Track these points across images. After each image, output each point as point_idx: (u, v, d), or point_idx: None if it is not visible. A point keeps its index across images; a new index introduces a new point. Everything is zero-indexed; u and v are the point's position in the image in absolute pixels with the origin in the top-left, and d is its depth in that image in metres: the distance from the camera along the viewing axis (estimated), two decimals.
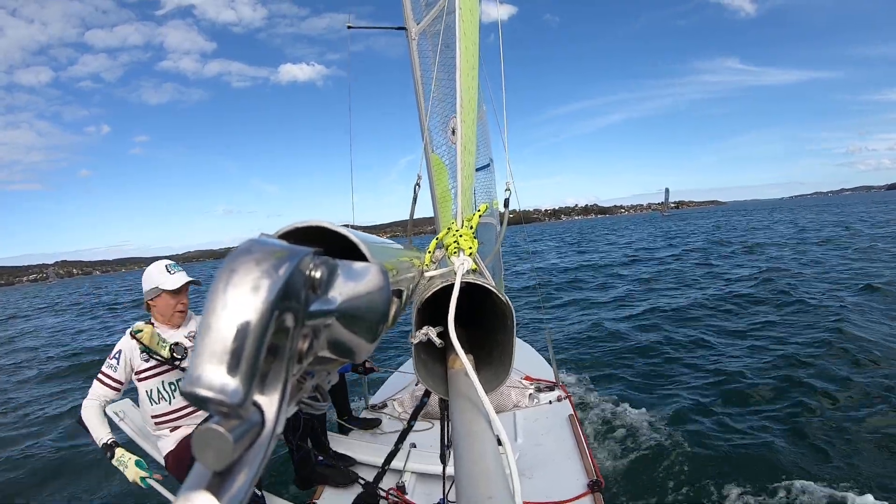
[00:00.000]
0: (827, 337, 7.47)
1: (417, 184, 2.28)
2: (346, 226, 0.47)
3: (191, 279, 2.89)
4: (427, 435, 3.95)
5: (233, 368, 0.27)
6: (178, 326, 2.95)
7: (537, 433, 3.92)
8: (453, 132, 2.45)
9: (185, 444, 2.86)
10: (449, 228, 1.20)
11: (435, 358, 1.07)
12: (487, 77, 3.44)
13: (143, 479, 2.70)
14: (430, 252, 1.15)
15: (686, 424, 5.10)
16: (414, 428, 3.35)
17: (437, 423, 3.27)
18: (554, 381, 4.77)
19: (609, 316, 10.88)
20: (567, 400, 4.41)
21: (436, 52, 2.70)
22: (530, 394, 4.53)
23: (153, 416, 2.90)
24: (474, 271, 1.07)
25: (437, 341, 0.92)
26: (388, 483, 3.30)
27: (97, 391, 2.82)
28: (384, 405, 4.71)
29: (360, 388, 5.17)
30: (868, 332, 7.50)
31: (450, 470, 2.21)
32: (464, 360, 0.83)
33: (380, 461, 3.28)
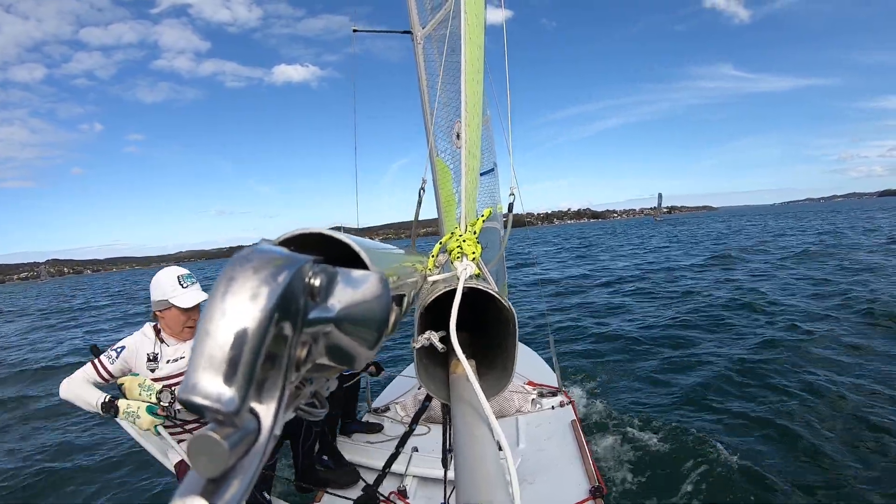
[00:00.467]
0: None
1: (422, 188, 2.28)
2: (336, 228, 0.47)
3: (206, 296, 2.77)
4: (429, 439, 3.95)
5: (229, 377, 0.27)
6: (187, 340, 2.79)
7: (539, 438, 3.91)
8: (458, 136, 2.46)
9: None
10: (452, 233, 1.20)
11: (437, 362, 1.07)
12: (492, 82, 3.45)
13: (155, 426, 2.58)
14: (433, 256, 1.16)
15: (689, 431, 5.07)
16: (415, 432, 3.34)
17: (439, 427, 3.27)
18: (557, 386, 4.76)
19: (614, 321, 10.85)
20: (570, 405, 4.39)
21: (441, 56, 2.71)
22: (533, 399, 4.52)
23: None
24: (477, 276, 1.06)
25: (440, 346, 0.92)
26: (389, 486, 3.30)
27: (86, 370, 2.68)
28: (386, 408, 4.70)
29: (362, 391, 5.17)
30: None
31: (451, 474, 2.21)
32: (465, 366, 0.83)
33: (381, 464, 3.28)
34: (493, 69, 3.21)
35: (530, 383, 4.80)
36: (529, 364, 5.48)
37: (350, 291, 0.38)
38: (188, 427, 2.77)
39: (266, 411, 0.31)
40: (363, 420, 4.42)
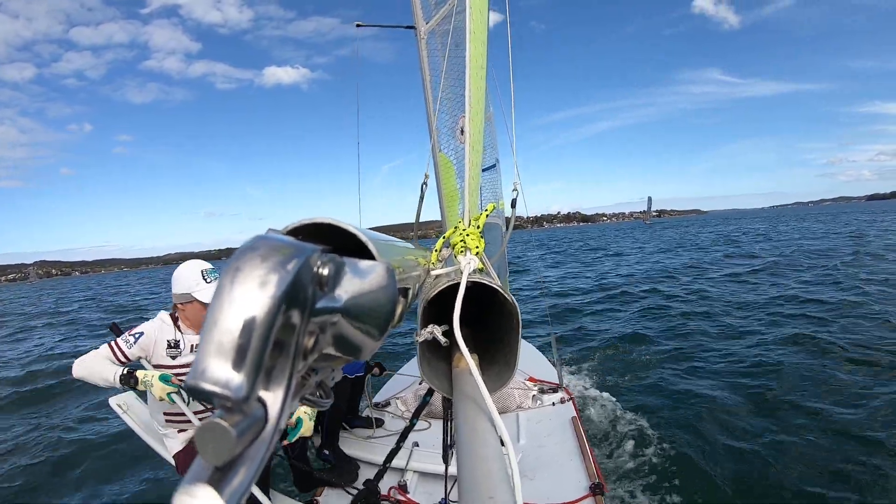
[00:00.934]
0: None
1: (424, 183, 2.28)
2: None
3: None
4: (429, 434, 3.95)
5: (238, 364, 0.27)
6: None
7: (540, 435, 3.91)
8: (462, 132, 2.45)
9: (193, 445, 2.81)
10: (456, 227, 1.20)
11: (439, 357, 1.07)
12: (496, 79, 3.44)
13: (169, 394, 2.62)
14: (436, 251, 1.15)
15: (690, 430, 5.08)
16: (416, 427, 3.34)
17: (439, 423, 3.27)
18: (558, 382, 4.76)
19: (617, 319, 10.86)
20: (570, 402, 4.40)
21: (444, 51, 2.70)
22: (534, 395, 4.52)
23: (165, 413, 2.84)
24: (480, 270, 1.06)
25: (443, 340, 0.92)
26: (389, 482, 3.30)
27: (102, 350, 2.69)
28: (387, 403, 4.71)
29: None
30: None
31: (452, 469, 2.21)
32: (468, 360, 0.83)
33: (381, 459, 3.28)
34: (493, 66, 3.21)
35: (531, 379, 4.80)
36: (530, 360, 5.49)
37: (358, 281, 0.38)
38: (197, 418, 2.80)
39: (273, 399, 0.31)
40: (364, 415, 4.43)
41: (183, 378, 2.64)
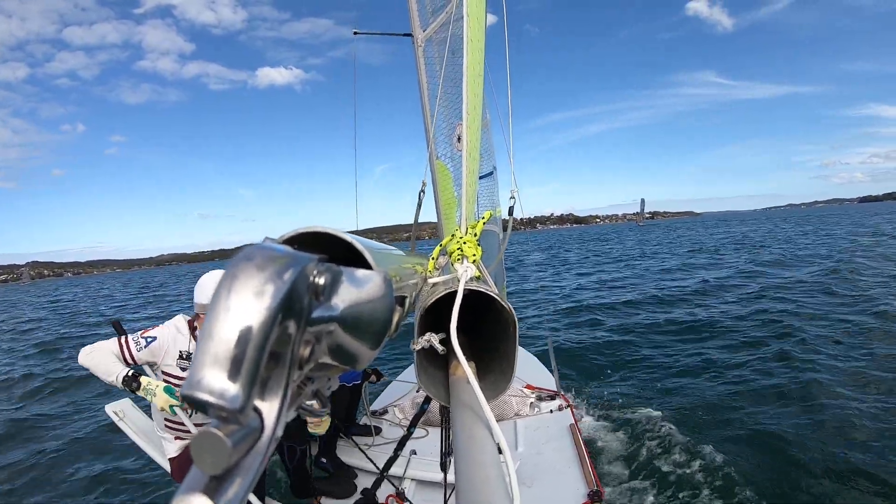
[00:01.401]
0: None
1: (422, 190, 2.28)
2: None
3: None
4: (427, 442, 3.93)
5: (234, 374, 0.27)
6: None
7: (538, 442, 3.90)
8: (459, 139, 2.46)
9: (188, 452, 2.82)
10: (453, 235, 1.20)
11: (437, 365, 1.07)
12: (492, 84, 3.45)
13: (171, 406, 2.60)
14: (433, 259, 1.15)
15: (688, 437, 5.06)
16: (413, 435, 3.33)
17: (437, 431, 3.26)
18: (555, 390, 4.75)
19: (613, 325, 10.84)
20: (568, 409, 4.39)
21: (441, 58, 2.71)
22: (531, 402, 4.51)
23: (166, 419, 2.83)
24: (478, 278, 1.06)
25: (440, 348, 0.92)
26: (387, 490, 3.29)
27: (110, 344, 2.64)
28: (384, 411, 4.69)
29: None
30: None
31: (450, 477, 2.20)
32: (465, 368, 0.83)
33: (379, 468, 3.27)
34: (489, 72, 3.22)
35: (529, 387, 4.79)
36: (528, 367, 5.48)
37: (354, 291, 0.38)
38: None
39: (269, 409, 0.31)
40: (361, 423, 4.40)
41: None
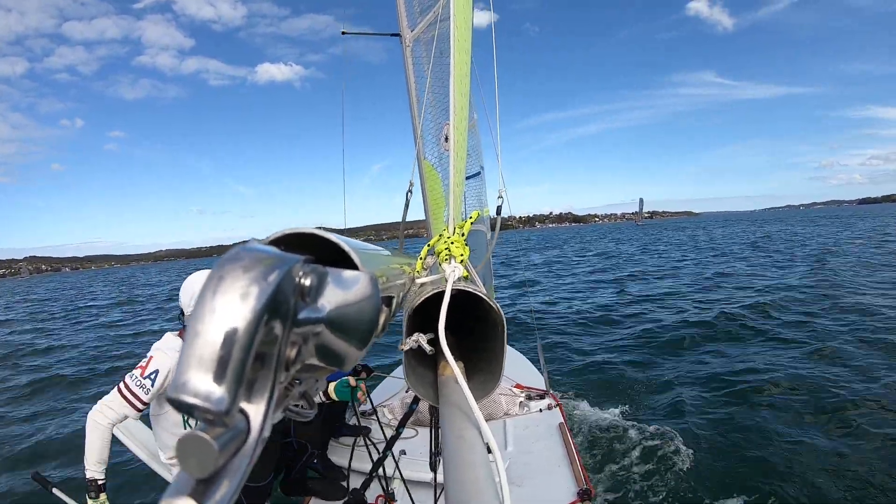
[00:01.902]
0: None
1: (409, 190, 2.28)
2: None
3: None
4: (416, 442, 3.93)
5: (219, 376, 0.27)
6: None
7: (527, 441, 3.91)
8: (446, 139, 2.46)
9: None
10: (441, 235, 1.20)
11: (425, 365, 1.07)
12: (480, 84, 3.46)
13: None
14: (421, 259, 1.15)
15: (677, 434, 5.11)
16: (402, 435, 3.32)
17: (426, 431, 3.25)
18: (545, 389, 4.77)
19: (603, 324, 10.91)
20: (557, 408, 4.40)
21: (429, 58, 2.71)
22: (521, 402, 4.52)
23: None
24: (465, 278, 1.07)
25: (428, 348, 0.92)
26: (376, 490, 3.28)
27: (116, 406, 2.45)
28: (373, 411, 4.68)
29: None
30: None
31: (439, 477, 2.20)
32: (454, 368, 0.83)
33: (368, 468, 3.25)
34: (478, 72, 3.23)
35: (518, 386, 4.80)
36: (517, 367, 5.49)
37: (340, 292, 0.38)
38: None
39: (256, 411, 0.31)
40: (351, 423, 4.38)
41: None
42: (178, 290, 2.76)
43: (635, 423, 5.38)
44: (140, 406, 2.48)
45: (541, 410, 4.41)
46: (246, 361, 0.28)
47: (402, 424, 3.10)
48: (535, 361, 5.74)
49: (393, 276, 0.70)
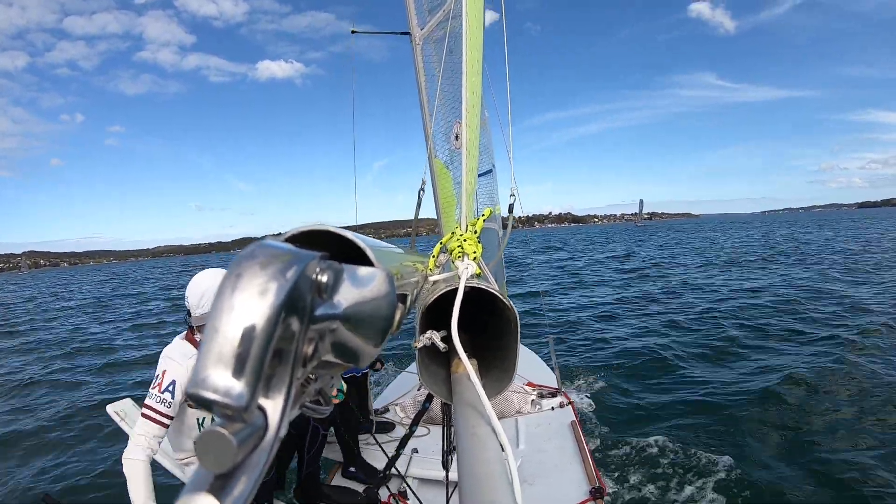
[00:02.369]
0: None
1: (421, 188, 2.28)
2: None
3: None
4: (429, 440, 3.94)
5: (238, 372, 0.27)
6: None
7: (539, 439, 3.90)
8: (457, 137, 2.46)
9: None
10: (453, 233, 1.20)
11: (438, 362, 1.07)
12: (490, 82, 3.45)
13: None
14: (434, 256, 1.15)
15: (689, 434, 5.08)
16: (415, 433, 3.32)
17: (438, 429, 3.26)
18: (557, 387, 4.76)
19: (614, 323, 10.86)
20: (569, 406, 4.39)
21: (440, 57, 2.71)
22: (533, 400, 4.51)
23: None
24: (478, 275, 1.06)
25: (441, 346, 0.92)
26: (389, 488, 3.29)
27: (146, 432, 2.39)
28: (386, 409, 4.69)
29: None
30: None
31: (452, 475, 2.20)
32: (467, 365, 0.83)
33: (380, 466, 3.27)
34: (488, 70, 3.21)
35: (530, 384, 4.79)
36: (529, 365, 5.48)
37: (357, 289, 0.38)
38: None
39: (274, 407, 0.31)
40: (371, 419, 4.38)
41: None
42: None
43: (649, 423, 5.35)
44: (167, 421, 2.46)
45: (553, 409, 4.40)
46: (264, 357, 0.28)
47: (414, 423, 3.11)
48: (547, 360, 5.73)
49: (407, 273, 0.70)
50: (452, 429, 1.15)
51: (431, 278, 1.04)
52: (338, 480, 3.57)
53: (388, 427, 4.31)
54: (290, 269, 0.30)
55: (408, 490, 3.30)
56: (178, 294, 23.75)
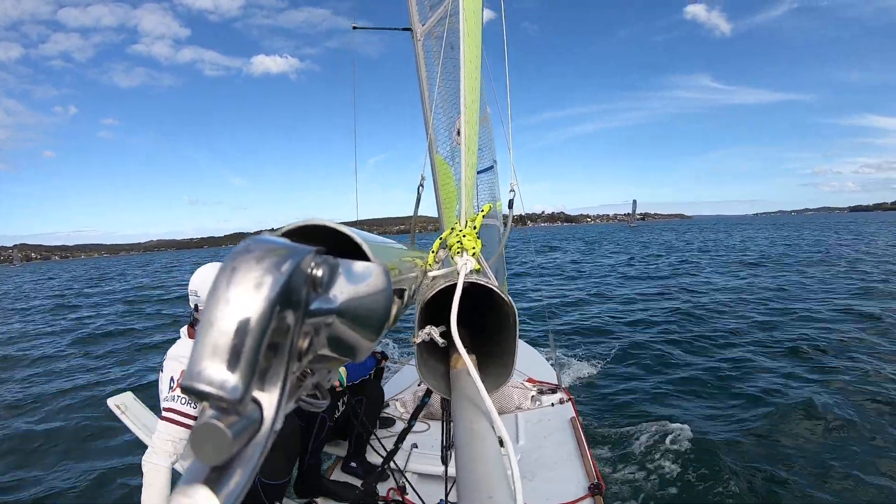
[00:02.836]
0: None
1: (421, 184, 2.27)
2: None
3: None
4: (428, 435, 3.94)
5: (233, 365, 0.28)
6: None
7: (539, 435, 3.91)
8: (458, 133, 2.45)
9: None
10: (452, 228, 1.20)
11: (438, 358, 1.07)
12: (492, 78, 3.44)
13: None
14: (433, 252, 1.15)
15: (688, 430, 5.09)
16: (414, 428, 3.33)
17: (438, 424, 3.26)
18: (556, 383, 4.76)
19: (614, 319, 10.87)
20: (569, 402, 4.40)
21: (440, 53, 2.70)
22: (532, 396, 4.52)
23: None
24: (477, 271, 1.06)
25: (440, 341, 0.92)
26: (388, 483, 3.30)
27: (172, 436, 2.32)
28: (386, 405, 4.70)
29: None
30: None
31: (451, 470, 2.21)
32: (466, 360, 0.83)
33: (379, 461, 3.27)
34: (488, 66, 3.20)
35: (530, 380, 4.80)
36: (529, 361, 5.49)
37: (353, 283, 0.38)
38: None
39: (269, 400, 0.31)
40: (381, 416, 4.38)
41: None
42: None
43: (648, 419, 5.36)
44: (190, 421, 2.39)
45: (553, 405, 4.41)
46: (259, 351, 0.28)
47: (413, 417, 3.11)
48: (547, 356, 5.74)
49: (405, 268, 0.70)
50: (452, 424, 1.16)
51: (430, 274, 1.04)
52: (337, 475, 3.58)
53: (388, 422, 4.33)
54: (286, 264, 0.31)
55: (407, 485, 3.31)
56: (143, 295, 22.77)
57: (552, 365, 5.24)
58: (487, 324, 1.16)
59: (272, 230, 0.42)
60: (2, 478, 5.49)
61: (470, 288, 0.94)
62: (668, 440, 4.84)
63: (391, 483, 3.31)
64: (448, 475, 2.12)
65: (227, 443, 0.28)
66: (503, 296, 0.94)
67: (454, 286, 0.91)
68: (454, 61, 2.48)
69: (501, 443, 0.74)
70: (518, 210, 1.60)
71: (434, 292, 0.95)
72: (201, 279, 2.62)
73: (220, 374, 0.27)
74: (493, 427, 0.76)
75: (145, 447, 3.05)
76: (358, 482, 3.45)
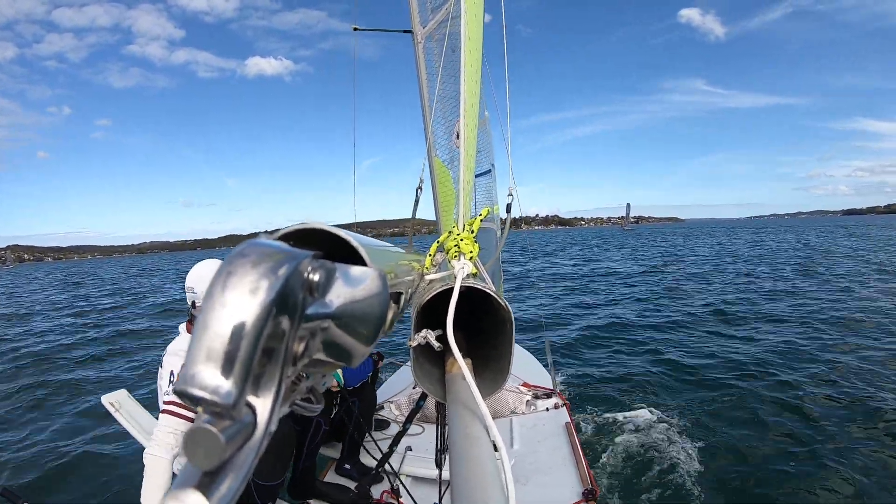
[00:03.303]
0: None
1: (419, 187, 2.27)
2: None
3: None
4: (422, 438, 3.93)
5: (227, 369, 0.28)
6: None
7: (533, 440, 3.91)
8: (457, 136, 2.46)
9: None
10: (450, 232, 1.20)
11: (433, 361, 1.07)
12: (491, 82, 3.45)
13: None
14: (430, 255, 1.15)
15: (682, 435, 5.09)
16: (409, 431, 3.32)
17: (432, 427, 3.25)
18: (552, 388, 4.76)
19: (610, 324, 10.87)
20: (564, 407, 4.40)
21: (440, 55, 2.71)
22: (528, 400, 4.52)
23: None
24: (474, 275, 1.06)
25: (436, 345, 0.92)
26: (381, 486, 3.29)
27: (174, 428, 2.28)
28: (381, 407, 4.69)
29: None
30: None
31: (445, 474, 2.20)
32: (462, 365, 0.83)
33: (373, 464, 3.26)
34: (487, 70, 3.21)
35: (525, 385, 4.80)
36: (525, 365, 5.48)
37: (349, 288, 0.38)
38: None
39: (263, 405, 0.31)
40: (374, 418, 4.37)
41: None
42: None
43: (643, 425, 5.36)
44: (193, 415, 2.34)
45: (547, 409, 4.41)
46: (254, 355, 0.28)
47: (408, 420, 3.10)
48: (542, 360, 5.73)
49: (402, 272, 0.70)
50: (446, 427, 1.16)
51: (427, 277, 1.04)
52: (331, 477, 3.57)
53: (382, 425, 4.32)
54: (282, 268, 0.31)
55: (400, 488, 3.30)
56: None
57: (548, 369, 5.23)
58: (484, 328, 1.16)
59: (268, 232, 0.42)
60: None
61: (467, 292, 0.94)
62: (663, 446, 4.84)
63: (385, 485, 3.30)
64: (442, 479, 2.12)
65: (219, 447, 0.27)
66: (500, 300, 0.94)
67: (451, 290, 0.91)
68: (455, 64, 2.48)
69: (496, 447, 0.74)
70: (514, 213, 1.60)
71: (430, 296, 0.95)
72: (198, 276, 2.59)
73: (214, 379, 0.27)
74: (487, 431, 0.76)
75: (139, 444, 3.03)
76: (352, 484, 3.43)
